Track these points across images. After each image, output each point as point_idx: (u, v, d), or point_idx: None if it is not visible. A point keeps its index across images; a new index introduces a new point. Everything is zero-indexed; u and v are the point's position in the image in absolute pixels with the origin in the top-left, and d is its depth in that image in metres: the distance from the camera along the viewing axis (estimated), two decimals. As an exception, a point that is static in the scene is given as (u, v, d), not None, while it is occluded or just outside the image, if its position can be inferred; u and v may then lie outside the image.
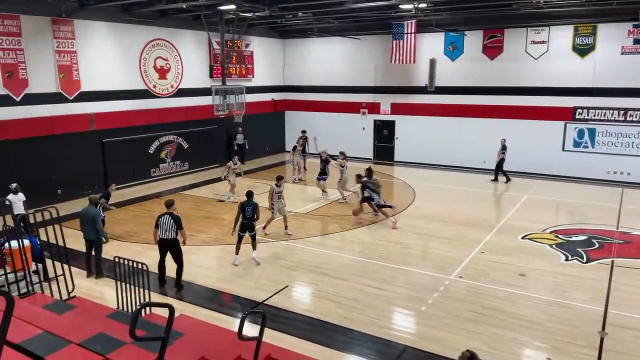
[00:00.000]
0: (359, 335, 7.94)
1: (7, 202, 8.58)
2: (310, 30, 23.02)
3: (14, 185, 11.76)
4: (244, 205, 10.86)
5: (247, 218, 10.81)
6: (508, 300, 9.12)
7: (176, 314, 4.64)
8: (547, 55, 19.34)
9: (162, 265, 9.81)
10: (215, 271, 10.72)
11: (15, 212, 10.18)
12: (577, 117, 19.14)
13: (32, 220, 7.29)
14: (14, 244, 7.53)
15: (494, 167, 19.20)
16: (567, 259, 11.17)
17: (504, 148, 18.81)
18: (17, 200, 11.28)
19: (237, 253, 11.02)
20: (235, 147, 22.18)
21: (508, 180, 19.01)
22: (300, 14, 19.09)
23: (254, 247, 11.09)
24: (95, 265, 10.25)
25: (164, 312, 4.78)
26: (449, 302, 9.08)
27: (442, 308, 8.82)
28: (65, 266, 8.11)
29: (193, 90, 20.38)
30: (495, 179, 19.11)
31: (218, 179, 18.34)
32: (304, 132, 21.47)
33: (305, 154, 20.61)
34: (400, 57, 21.22)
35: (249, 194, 11.07)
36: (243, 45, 22.72)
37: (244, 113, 19.14)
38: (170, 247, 9.64)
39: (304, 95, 25.43)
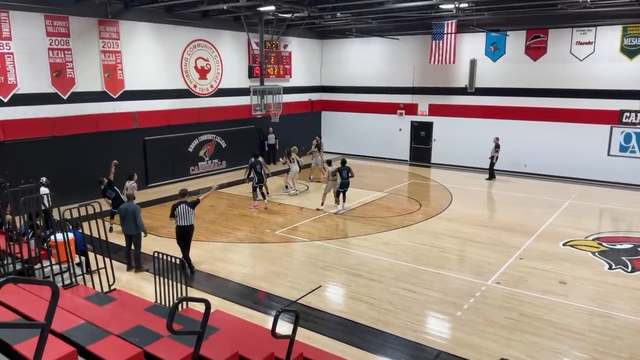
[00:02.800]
0: (392, 338, 7.87)
1: (51, 194, 8.76)
2: (349, 30, 22.99)
3: (44, 179, 12.09)
4: (341, 169, 14.51)
5: (345, 178, 14.54)
6: (547, 308, 8.87)
7: (212, 310, 4.72)
8: (593, 57, 18.69)
9: (187, 253, 10.46)
10: (250, 269, 10.85)
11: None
12: (624, 120, 18.42)
13: (75, 215, 7.52)
14: (59, 236, 7.79)
15: (490, 167, 19.73)
16: (610, 268, 10.78)
17: (497, 147, 19.23)
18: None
19: (337, 203, 14.81)
20: (267, 148, 22.29)
21: (490, 178, 19.67)
22: (339, 14, 19.08)
23: (344, 200, 14.94)
24: (134, 259, 10.56)
25: (200, 307, 4.87)
26: (485, 308, 8.90)
27: (478, 314, 8.65)
28: (107, 259, 8.35)
29: (232, 90, 20.67)
30: (492, 177, 19.72)
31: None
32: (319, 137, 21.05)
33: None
34: (440, 58, 20.95)
35: (344, 161, 14.81)
36: (281, 46, 22.90)
37: (280, 113, 19.27)
38: (187, 233, 10.41)
39: (340, 95, 25.41)
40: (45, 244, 8.27)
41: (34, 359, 2.84)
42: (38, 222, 8.12)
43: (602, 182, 18.80)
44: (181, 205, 10.33)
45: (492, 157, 19.41)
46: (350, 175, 14.72)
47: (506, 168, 20.27)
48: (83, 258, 9.12)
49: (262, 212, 15.04)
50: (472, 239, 12.72)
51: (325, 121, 26.14)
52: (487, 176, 19.78)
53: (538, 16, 18.75)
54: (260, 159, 16.06)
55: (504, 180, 19.53)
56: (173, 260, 7.61)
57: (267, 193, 16.15)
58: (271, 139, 22.28)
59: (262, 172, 15.42)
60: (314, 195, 17.26)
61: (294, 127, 23.18)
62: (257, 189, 15.52)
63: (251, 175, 15.52)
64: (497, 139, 19.28)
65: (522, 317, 8.53)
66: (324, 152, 21.45)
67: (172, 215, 10.39)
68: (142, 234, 10.52)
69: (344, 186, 14.62)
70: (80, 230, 9.07)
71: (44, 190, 11.47)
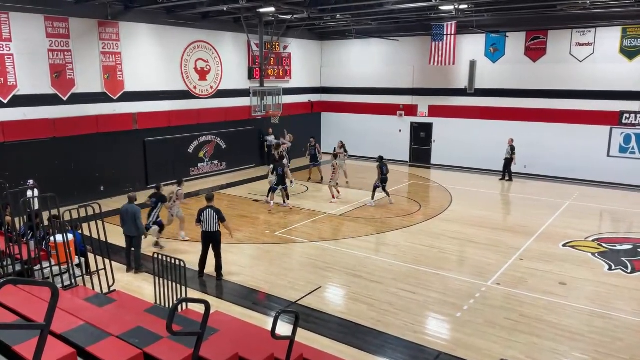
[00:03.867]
0: (393, 339, 7.87)
1: (48, 196, 8.60)
2: (348, 32, 23.00)
3: (31, 181, 11.75)
4: (382, 165, 15.66)
5: (385, 174, 15.66)
6: (547, 309, 8.87)
7: (211, 311, 4.71)
8: (593, 58, 18.70)
9: (204, 258, 10.23)
10: (250, 270, 10.84)
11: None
12: (623, 121, 18.42)
13: (75, 216, 7.52)
14: (59, 238, 7.77)
15: (504, 167, 19.77)
16: (610, 269, 10.78)
17: (512, 149, 19.23)
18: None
19: (372, 198, 15.94)
20: (266, 149, 22.26)
21: (503, 178, 19.77)
22: (338, 15, 19.10)
23: (388, 194, 15.95)
24: (134, 261, 10.55)
25: (199, 308, 4.86)
26: (485, 309, 8.89)
27: (478, 315, 8.65)
28: (107, 261, 8.35)
29: (232, 92, 20.69)
30: (506, 178, 19.69)
31: (254, 179, 18.54)
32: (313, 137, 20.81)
33: (316, 160, 19.79)
34: (440, 59, 20.96)
35: (381, 158, 15.85)
36: (281, 47, 22.91)
37: (280, 114, 19.28)
38: (212, 239, 10.04)
39: (340, 97, 25.42)
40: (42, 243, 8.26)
41: (33, 360, 2.83)
42: (38, 223, 8.09)
43: (601, 183, 18.80)
44: (207, 210, 9.94)
45: (509, 159, 19.32)
46: (387, 171, 15.83)
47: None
48: (83, 259, 9.11)
49: (262, 213, 15.02)
50: (472, 239, 12.72)
51: (325, 122, 26.15)
52: (505, 177, 19.76)
53: (537, 17, 18.76)
54: (285, 161, 16.35)
55: (504, 181, 19.53)
56: (172, 261, 7.60)
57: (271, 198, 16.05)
58: (271, 140, 22.24)
59: (284, 175, 15.20)
60: (314, 195, 17.27)
61: (294, 128, 23.15)
62: (276, 191, 15.26)
63: (273, 176, 15.25)
64: (512, 140, 19.26)
65: (522, 318, 8.52)
66: (322, 153, 21.53)
67: (199, 221, 9.99)
68: (143, 235, 10.51)
69: (384, 181, 15.79)
70: (80, 232, 9.06)
71: (30, 193, 11.27)
